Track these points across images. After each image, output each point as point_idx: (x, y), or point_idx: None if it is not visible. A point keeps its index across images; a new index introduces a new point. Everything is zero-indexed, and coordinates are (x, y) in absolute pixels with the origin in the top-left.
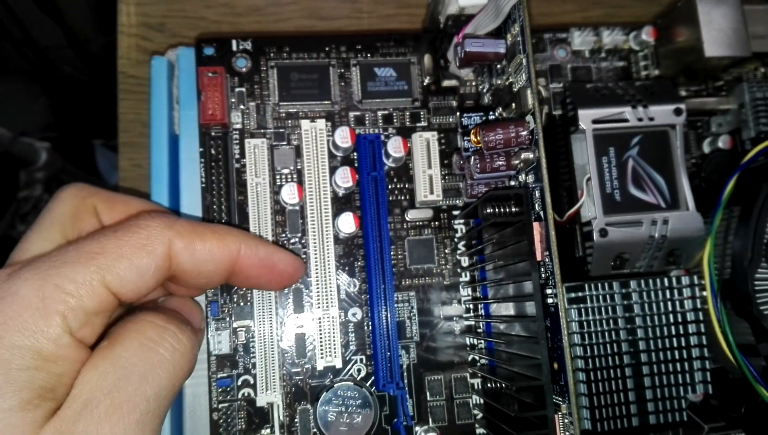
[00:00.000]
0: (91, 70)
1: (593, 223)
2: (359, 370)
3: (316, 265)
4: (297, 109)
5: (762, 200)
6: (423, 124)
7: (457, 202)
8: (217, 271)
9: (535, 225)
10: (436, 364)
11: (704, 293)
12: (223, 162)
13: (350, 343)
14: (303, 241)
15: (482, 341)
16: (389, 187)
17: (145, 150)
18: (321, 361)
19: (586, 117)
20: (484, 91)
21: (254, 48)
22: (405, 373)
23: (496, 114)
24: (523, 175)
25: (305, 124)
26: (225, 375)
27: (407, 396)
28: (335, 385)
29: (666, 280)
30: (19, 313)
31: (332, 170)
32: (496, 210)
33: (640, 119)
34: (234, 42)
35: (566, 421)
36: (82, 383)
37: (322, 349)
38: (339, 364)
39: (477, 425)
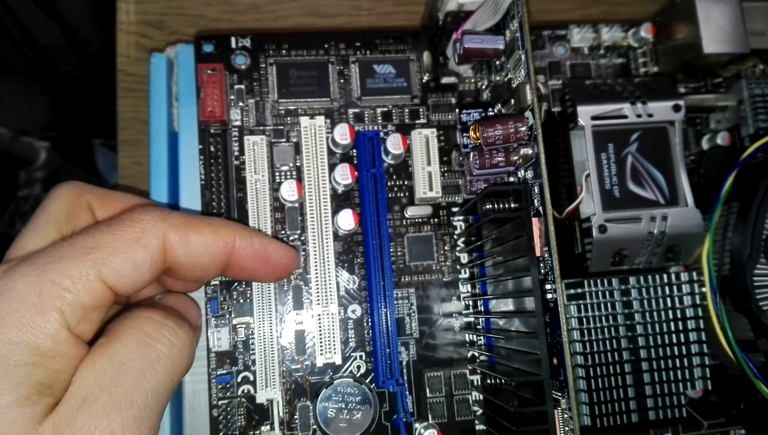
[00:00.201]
0: (90, 69)
1: (592, 220)
2: (359, 367)
3: (316, 262)
4: (296, 106)
5: (761, 196)
6: (422, 120)
7: (457, 199)
8: (212, 263)
9: (534, 220)
10: (435, 361)
11: (703, 289)
12: (223, 159)
13: (350, 339)
14: (302, 238)
15: (482, 337)
16: (388, 184)
17: (145, 147)
18: (320, 358)
19: (585, 113)
20: (483, 87)
21: (253, 45)
22: (404, 370)
23: (495, 110)
24: (522, 171)
25: (304, 121)
26: (225, 372)
27: (407, 392)
28: (335, 382)
29: (665, 277)
30: (16, 309)
31: (331, 167)
32: (496, 206)
33: (639, 116)
34: (233, 39)
35: (566, 416)
36: (80, 379)
37: (321, 346)
38: (339, 361)
39: (477, 421)
